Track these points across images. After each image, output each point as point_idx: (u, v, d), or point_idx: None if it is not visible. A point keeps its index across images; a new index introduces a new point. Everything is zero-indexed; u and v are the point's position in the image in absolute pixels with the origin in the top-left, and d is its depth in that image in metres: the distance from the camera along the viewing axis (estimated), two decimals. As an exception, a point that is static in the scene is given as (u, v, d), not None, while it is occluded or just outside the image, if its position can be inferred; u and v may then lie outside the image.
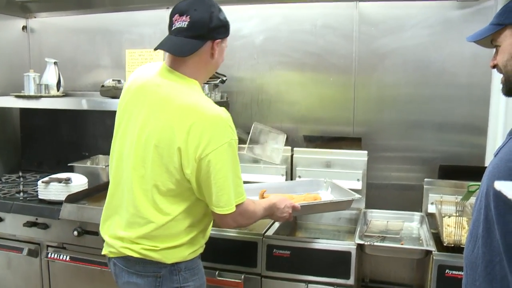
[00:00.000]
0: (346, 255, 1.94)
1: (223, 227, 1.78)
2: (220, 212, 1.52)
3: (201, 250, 1.69)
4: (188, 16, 1.47)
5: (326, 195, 2.31)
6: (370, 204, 2.46)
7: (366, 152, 2.43)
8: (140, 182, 1.53)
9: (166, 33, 1.55)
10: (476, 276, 1.18)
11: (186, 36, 1.48)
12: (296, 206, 1.87)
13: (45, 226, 2.41)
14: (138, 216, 1.54)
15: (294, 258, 1.98)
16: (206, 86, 2.45)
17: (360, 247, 1.95)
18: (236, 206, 1.53)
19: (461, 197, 2.15)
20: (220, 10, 1.55)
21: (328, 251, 1.96)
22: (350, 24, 2.56)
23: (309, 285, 1.97)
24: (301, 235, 2.39)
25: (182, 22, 1.48)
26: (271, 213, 1.80)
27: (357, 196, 2.08)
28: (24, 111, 3.21)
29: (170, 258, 1.56)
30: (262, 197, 2.09)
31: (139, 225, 1.54)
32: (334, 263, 1.95)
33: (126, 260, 1.59)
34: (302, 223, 2.49)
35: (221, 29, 1.54)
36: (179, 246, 1.57)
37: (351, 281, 1.93)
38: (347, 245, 1.96)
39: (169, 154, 1.47)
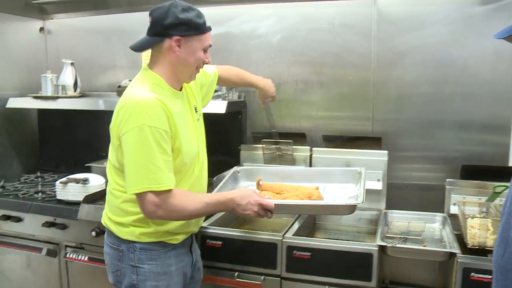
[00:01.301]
0: (367, 257, 1.90)
1: (145, 215, 1.60)
2: (128, 193, 1.57)
3: (163, 238, 1.71)
4: (151, 16, 1.64)
5: (343, 192, 2.07)
6: (390, 205, 2.41)
7: (386, 152, 2.39)
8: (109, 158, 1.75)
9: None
10: (507, 282, 1.15)
11: (148, 34, 1.66)
12: (266, 204, 1.70)
13: (63, 227, 2.41)
14: (108, 186, 1.78)
15: (314, 260, 1.95)
16: (224, 86, 2.43)
17: (381, 248, 1.91)
18: (155, 194, 1.53)
19: (485, 198, 2.11)
20: (185, 9, 1.60)
21: (349, 253, 1.92)
22: (368, 22, 2.52)
23: (330, 287, 1.93)
24: (320, 236, 2.37)
25: (149, 23, 1.65)
26: (226, 208, 1.73)
27: (354, 202, 1.83)
28: (41, 112, 3.23)
29: (123, 233, 1.70)
30: (258, 185, 2.04)
31: (107, 195, 1.78)
32: (355, 265, 1.91)
33: (106, 231, 1.81)
34: (321, 224, 2.46)
35: (180, 27, 1.59)
36: (129, 223, 1.68)
37: (372, 283, 1.90)
38: (369, 246, 1.92)
39: (111, 134, 1.66)
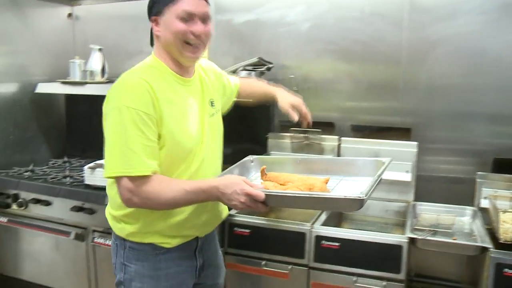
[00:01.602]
0: (397, 248, 1.88)
1: (123, 203, 1.50)
2: (103, 177, 1.50)
3: (153, 240, 1.59)
4: None
5: (359, 186, 1.63)
6: (417, 197, 2.38)
7: (416, 143, 2.35)
8: None
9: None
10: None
11: None
12: (255, 194, 1.42)
13: (91, 211, 2.44)
14: None
15: (343, 250, 1.94)
16: (253, 73, 2.42)
17: (411, 241, 1.90)
18: (130, 180, 1.42)
19: (518, 192, 2.07)
20: None
21: (379, 244, 1.90)
22: (400, 10, 2.47)
23: (358, 278, 1.93)
24: (347, 227, 2.36)
25: None
26: (210, 197, 1.48)
27: (354, 195, 1.42)
28: (69, 98, 3.26)
29: (116, 229, 1.65)
30: (263, 174, 1.78)
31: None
32: (384, 256, 1.90)
33: None
34: (348, 214, 2.44)
35: (155, 5, 1.52)
36: (120, 218, 1.61)
37: (401, 275, 1.88)
38: (399, 238, 1.90)
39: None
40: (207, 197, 1.48)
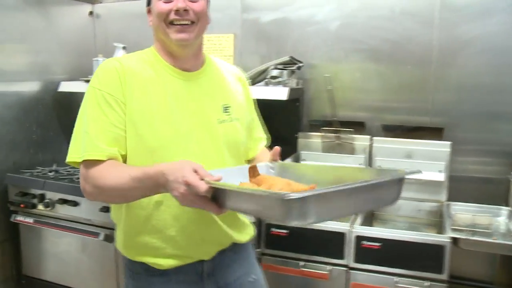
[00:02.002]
0: (439, 248, 1.87)
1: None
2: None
3: (143, 259, 1.37)
4: None
5: None
6: (449, 197, 2.37)
7: (449, 143, 2.34)
8: None
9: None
10: None
11: None
12: (194, 185, 1.06)
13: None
14: None
15: (384, 250, 1.93)
16: (285, 72, 2.40)
17: (454, 241, 1.88)
18: (83, 165, 1.28)
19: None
20: None
21: (421, 244, 1.89)
22: (430, 9, 2.46)
23: (400, 278, 1.92)
24: (378, 226, 2.35)
25: None
26: (157, 185, 1.17)
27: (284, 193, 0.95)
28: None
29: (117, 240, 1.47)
30: (253, 173, 1.34)
31: None
32: (427, 256, 1.89)
33: None
34: (379, 214, 2.43)
35: None
36: (118, 227, 1.44)
37: (444, 276, 1.87)
38: (441, 238, 1.89)
39: None
40: (154, 184, 1.17)
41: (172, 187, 1.12)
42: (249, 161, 1.58)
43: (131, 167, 1.27)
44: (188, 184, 1.07)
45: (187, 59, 1.40)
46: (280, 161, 1.45)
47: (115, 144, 1.28)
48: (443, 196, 2.35)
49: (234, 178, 1.26)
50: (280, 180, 1.28)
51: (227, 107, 1.45)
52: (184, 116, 1.35)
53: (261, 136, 1.66)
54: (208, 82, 1.44)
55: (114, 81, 1.29)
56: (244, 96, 1.55)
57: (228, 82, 1.50)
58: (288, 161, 2.17)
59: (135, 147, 1.31)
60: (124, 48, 2.87)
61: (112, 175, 1.23)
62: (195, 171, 1.09)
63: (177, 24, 1.31)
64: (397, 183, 1.18)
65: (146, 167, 1.21)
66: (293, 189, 1.19)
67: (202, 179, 1.07)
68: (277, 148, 1.43)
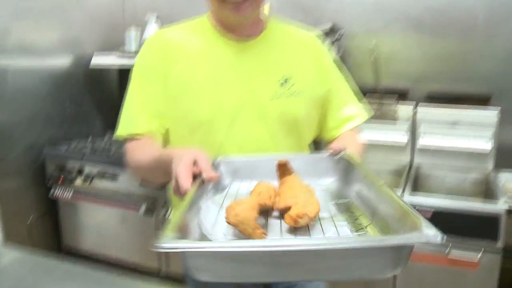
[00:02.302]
0: (493, 217, 1.84)
1: None
2: None
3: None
4: None
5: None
6: (495, 166, 2.33)
7: (497, 110, 2.29)
8: None
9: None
10: None
11: None
12: (180, 182, 0.88)
13: (160, 186, 2.40)
14: None
15: (435, 218, 1.87)
16: (326, 41, 2.34)
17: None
18: (127, 141, 1.25)
19: None
20: None
21: (475, 213, 1.86)
22: (475, -26, 2.37)
23: (452, 247, 1.89)
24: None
25: None
26: (166, 169, 0.99)
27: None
28: (122, 70, 3.18)
29: None
30: (283, 170, 1.02)
31: None
32: (481, 225, 1.86)
33: None
34: (423, 182, 2.39)
35: None
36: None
37: (500, 243, 1.85)
38: (495, 206, 1.85)
39: None
40: (164, 168, 1.02)
41: (171, 175, 0.96)
42: (326, 144, 1.35)
43: (157, 147, 1.20)
44: (176, 174, 0.91)
45: (243, 28, 1.26)
46: (349, 153, 1.11)
47: (155, 120, 1.23)
48: (490, 165, 2.31)
49: (263, 171, 1.05)
50: (300, 190, 0.91)
51: (287, 78, 1.27)
52: (231, 91, 1.23)
53: (349, 113, 1.36)
54: (267, 51, 1.29)
55: (154, 55, 1.24)
56: (317, 64, 1.33)
57: (292, 50, 1.32)
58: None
59: (176, 123, 1.25)
60: (157, 18, 2.82)
61: (140, 151, 1.19)
62: (195, 163, 0.94)
63: (231, 2, 1.15)
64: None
65: (167, 149, 1.20)
66: (300, 208, 0.81)
67: (196, 175, 0.92)
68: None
